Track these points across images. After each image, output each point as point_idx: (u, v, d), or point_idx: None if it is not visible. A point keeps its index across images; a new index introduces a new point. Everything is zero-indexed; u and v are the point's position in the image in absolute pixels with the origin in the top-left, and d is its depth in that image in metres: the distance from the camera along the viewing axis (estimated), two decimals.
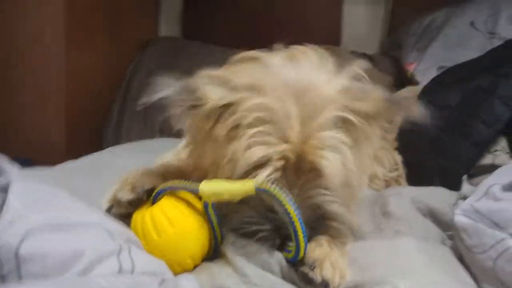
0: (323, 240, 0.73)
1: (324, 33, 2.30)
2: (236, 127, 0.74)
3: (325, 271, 0.68)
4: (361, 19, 2.42)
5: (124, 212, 0.76)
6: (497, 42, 1.71)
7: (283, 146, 0.71)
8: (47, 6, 1.66)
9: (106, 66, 1.99)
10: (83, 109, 1.88)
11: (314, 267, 0.69)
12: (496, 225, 0.77)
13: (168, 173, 0.85)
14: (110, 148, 1.49)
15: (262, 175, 0.70)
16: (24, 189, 0.57)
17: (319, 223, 0.73)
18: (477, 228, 0.76)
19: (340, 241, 0.76)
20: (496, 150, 1.28)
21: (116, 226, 0.64)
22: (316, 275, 0.68)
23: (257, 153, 0.71)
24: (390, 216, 0.97)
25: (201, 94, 0.75)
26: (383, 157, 1.31)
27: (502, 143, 1.28)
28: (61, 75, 1.73)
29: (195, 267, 0.72)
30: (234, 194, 0.69)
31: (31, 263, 0.52)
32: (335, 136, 0.75)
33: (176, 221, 0.71)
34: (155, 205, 0.73)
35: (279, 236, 0.71)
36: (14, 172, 0.61)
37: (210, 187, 0.70)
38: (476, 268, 0.77)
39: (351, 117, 0.76)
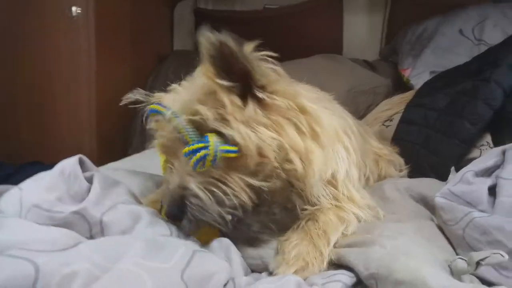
0: None
1: (327, 42, 2.37)
2: None
3: None
4: (360, 28, 2.44)
5: None
6: (484, 48, 1.75)
7: None
8: (81, 31, 1.80)
9: (130, 78, 2.08)
10: (111, 120, 1.97)
11: None
12: (468, 204, 0.88)
13: None
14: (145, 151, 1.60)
15: None
16: (100, 179, 0.78)
17: None
18: (450, 205, 0.87)
19: None
20: (482, 145, 1.36)
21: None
22: None
23: None
24: (387, 200, 1.09)
25: None
26: (395, 161, 1.42)
27: (487, 138, 1.36)
28: (92, 89, 1.85)
29: None
30: None
31: (110, 227, 0.73)
32: None
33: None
34: None
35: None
36: (94, 168, 0.83)
37: None
38: (452, 238, 0.86)
39: None
